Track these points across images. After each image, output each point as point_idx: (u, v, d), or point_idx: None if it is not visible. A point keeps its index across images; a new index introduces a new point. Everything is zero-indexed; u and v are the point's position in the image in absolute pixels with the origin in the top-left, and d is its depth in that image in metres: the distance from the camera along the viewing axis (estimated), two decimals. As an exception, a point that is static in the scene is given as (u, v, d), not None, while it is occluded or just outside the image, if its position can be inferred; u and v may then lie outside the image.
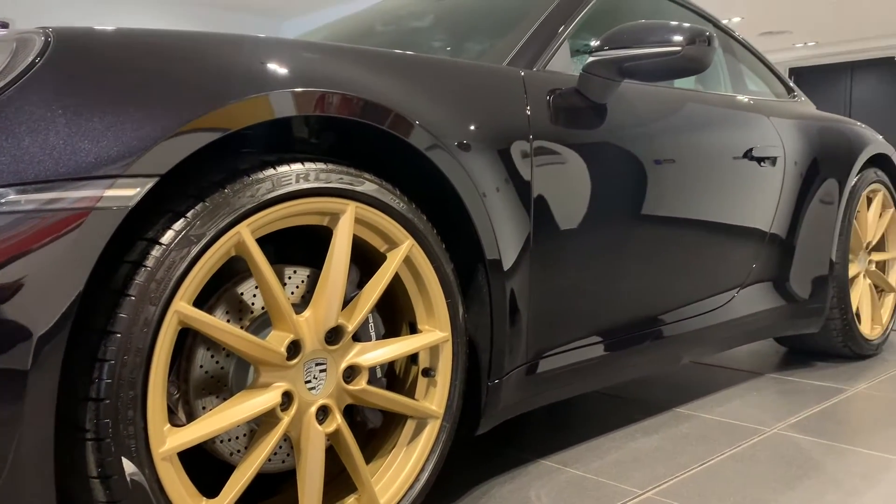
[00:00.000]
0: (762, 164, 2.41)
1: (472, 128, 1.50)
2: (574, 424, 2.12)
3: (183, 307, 1.07)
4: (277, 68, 1.20)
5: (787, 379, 2.61)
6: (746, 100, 2.60)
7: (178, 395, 1.20)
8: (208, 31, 1.25)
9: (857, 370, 2.73)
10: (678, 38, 1.76)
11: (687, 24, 1.80)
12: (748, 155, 2.35)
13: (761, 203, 2.45)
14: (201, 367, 1.20)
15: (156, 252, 1.05)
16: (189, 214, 1.08)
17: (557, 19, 1.91)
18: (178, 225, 1.07)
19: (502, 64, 1.76)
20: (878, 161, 2.99)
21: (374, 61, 1.41)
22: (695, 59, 1.78)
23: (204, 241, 1.08)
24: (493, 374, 1.56)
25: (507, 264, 1.54)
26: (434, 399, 1.43)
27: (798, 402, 2.33)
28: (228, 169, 1.15)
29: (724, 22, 2.83)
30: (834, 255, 2.68)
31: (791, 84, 3.11)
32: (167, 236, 1.06)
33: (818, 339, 2.81)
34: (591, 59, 1.80)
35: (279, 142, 1.36)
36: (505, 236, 1.53)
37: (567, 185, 1.72)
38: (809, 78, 11.92)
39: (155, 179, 1.02)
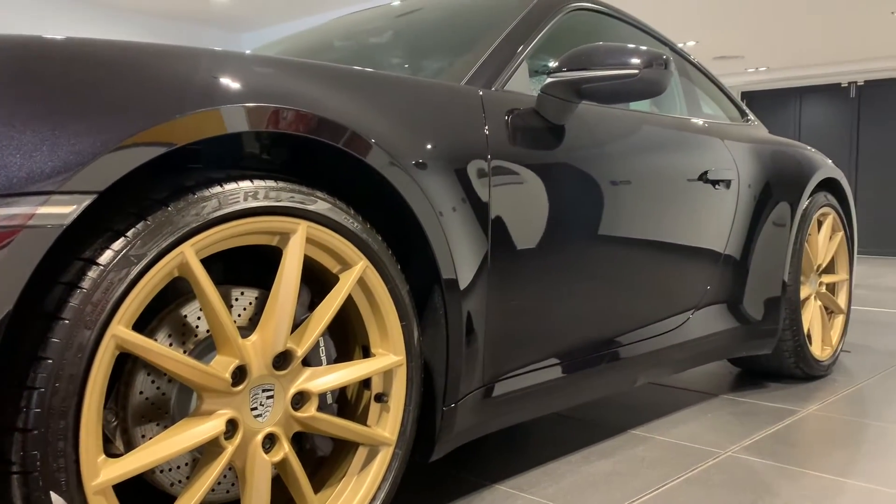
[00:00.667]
0: (717, 186, 2.44)
1: (430, 146, 1.48)
2: (529, 447, 2.10)
3: (121, 331, 1.01)
4: (228, 82, 1.16)
5: (740, 400, 2.63)
6: (701, 123, 2.63)
7: (115, 423, 1.14)
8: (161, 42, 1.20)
9: (808, 391, 2.76)
10: (635, 60, 1.76)
11: (644, 48, 1.80)
12: (703, 177, 2.37)
13: (716, 225, 2.47)
14: (141, 393, 1.14)
15: (93, 273, 0.99)
16: (129, 233, 1.03)
17: (516, 39, 1.90)
18: (118, 244, 1.01)
19: (461, 83, 1.74)
20: (828, 185, 3.05)
21: (330, 77, 1.37)
22: (652, 83, 1.78)
23: (145, 262, 1.03)
24: (449, 398, 1.52)
25: (464, 284, 1.52)
26: (387, 425, 1.39)
27: (751, 423, 2.34)
28: (173, 186, 1.10)
29: (680, 45, 2.86)
30: (786, 277, 2.71)
31: (744, 107, 3.16)
32: (105, 256, 1.00)
33: (770, 359, 2.83)
34: (549, 79, 1.79)
35: (230, 158, 1.31)
36: (462, 257, 1.50)
37: (525, 206, 1.70)
38: (761, 101, 12.22)
39: (93, 196, 0.97)
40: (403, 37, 2.29)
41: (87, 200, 0.96)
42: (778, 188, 2.77)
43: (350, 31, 2.50)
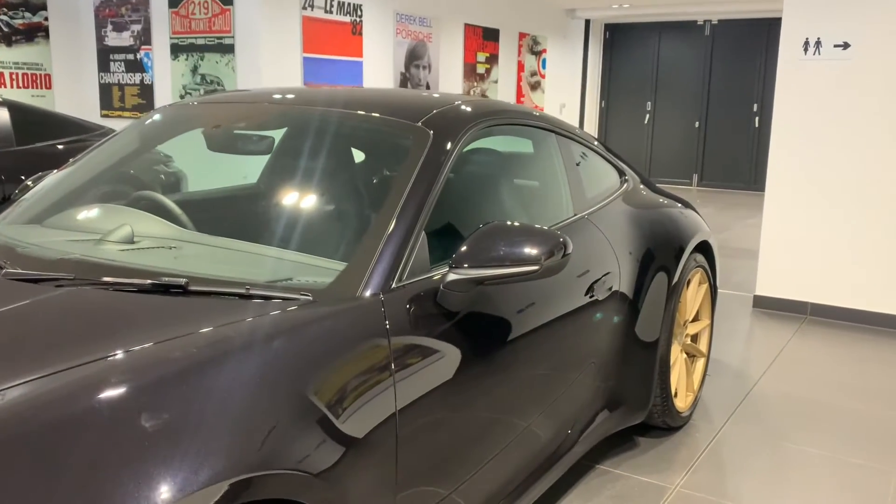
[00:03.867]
0: (601, 297, 2.49)
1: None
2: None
3: None
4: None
5: (614, 472, 2.80)
6: (585, 215, 2.64)
7: None
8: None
9: (673, 448, 2.99)
10: (536, 252, 1.74)
11: (545, 233, 1.78)
12: (590, 293, 2.41)
13: (602, 332, 2.54)
14: None
15: None
16: None
17: (406, 229, 1.79)
18: None
19: (357, 291, 1.64)
20: (699, 247, 3.20)
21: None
22: (552, 270, 1.78)
23: None
24: None
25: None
26: None
27: (627, 514, 2.52)
28: None
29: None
30: (660, 350, 2.85)
31: (622, 166, 3.20)
32: None
33: (641, 416, 3.03)
34: (451, 275, 1.74)
35: None
36: None
37: (432, 425, 1.68)
38: (624, 34, 12.44)
39: None
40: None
41: None
42: (657, 258, 2.88)
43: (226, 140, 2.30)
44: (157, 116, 2.48)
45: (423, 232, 1.83)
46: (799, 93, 4.75)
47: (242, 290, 1.58)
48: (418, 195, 1.86)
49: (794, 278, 4.94)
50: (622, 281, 2.67)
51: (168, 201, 2.24)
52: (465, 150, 2.19)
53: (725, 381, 3.76)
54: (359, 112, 2.22)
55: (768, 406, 3.46)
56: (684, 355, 3.22)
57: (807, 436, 3.15)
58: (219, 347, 1.32)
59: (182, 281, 1.58)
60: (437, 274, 1.81)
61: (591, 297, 2.41)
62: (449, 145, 2.02)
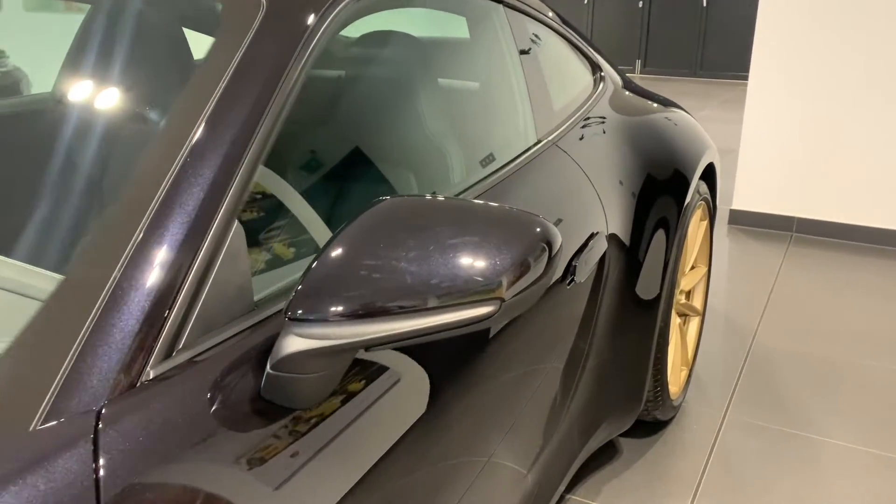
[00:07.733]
0: (582, 279, 1.55)
1: None
2: None
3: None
4: None
5: (594, 507, 1.96)
6: (552, 144, 1.66)
7: None
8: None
9: (667, 457, 2.16)
10: (488, 273, 0.77)
11: (507, 220, 0.81)
12: (568, 276, 1.46)
13: (584, 321, 1.61)
14: None
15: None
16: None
17: (186, 223, 0.78)
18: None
19: (34, 419, 0.65)
20: (704, 172, 2.27)
21: None
22: (521, 304, 0.81)
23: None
24: None
25: None
26: None
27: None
28: None
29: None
30: (658, 324, 1.97)
31: (596, 57, 2.19)
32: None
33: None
34: (291, 341, 0.74)
35: None
36: None
37: None
38: None
39: None
40: None
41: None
42: (657, 197, 1.95)
43: None
44: None
45: (239, 221, 0.83)
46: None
47: None
48: (224, 139, 0.83)
49: (779, 189, 4.10)
50: (610, 238, 1.73)
51: None
52: (341, 35, 1.15)
53: (715, 337, 2.93)
54: None
55: (775, 374, 2.65)
56: (678, 320, 2.35)
57: (833, 419, 2.36)
58: None
59: None
60: (262, 317, 0.83)
61: (570, 282, 1.46)
62: (304, 26, 0.99)
